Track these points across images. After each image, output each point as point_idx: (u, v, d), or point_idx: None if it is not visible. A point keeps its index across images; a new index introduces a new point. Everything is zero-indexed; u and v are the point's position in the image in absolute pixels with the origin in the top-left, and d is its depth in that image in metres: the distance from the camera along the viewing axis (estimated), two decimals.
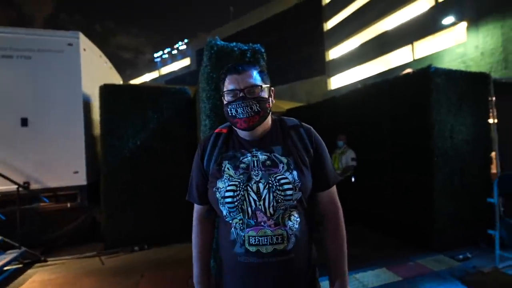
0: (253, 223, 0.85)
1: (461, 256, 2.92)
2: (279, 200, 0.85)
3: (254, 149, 0.92)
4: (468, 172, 3.26)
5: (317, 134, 1.00)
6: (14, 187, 3.25)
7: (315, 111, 5.68)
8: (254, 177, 0.87)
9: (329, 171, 0.97)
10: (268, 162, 0.89)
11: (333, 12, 19.59)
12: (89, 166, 3.84)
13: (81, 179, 3.73)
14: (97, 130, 4.07)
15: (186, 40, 33.19)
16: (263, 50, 2.56)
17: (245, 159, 0.90)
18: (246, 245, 0.85)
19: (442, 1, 13.11)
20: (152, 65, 36.96)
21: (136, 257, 3.48)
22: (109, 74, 5.20)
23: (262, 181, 0.86)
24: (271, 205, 0.85)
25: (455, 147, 3.21)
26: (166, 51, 35.23)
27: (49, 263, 3.34)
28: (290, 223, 0.87)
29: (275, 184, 0.86)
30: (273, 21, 23.30)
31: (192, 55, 30.98)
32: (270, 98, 0.94)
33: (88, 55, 4.13)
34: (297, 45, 21.67)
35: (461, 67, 11.10)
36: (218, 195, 0.89)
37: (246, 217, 0.86)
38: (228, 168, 0.90)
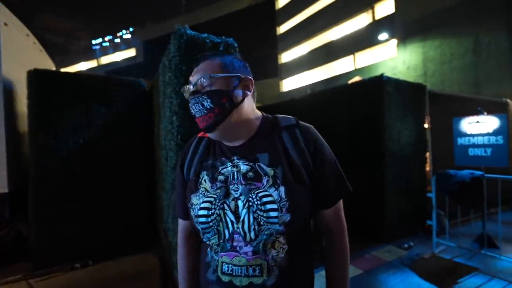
0: (228, 247, 0.72)
1: (406, 245, 3.30)
2: (262, 223, 0.69)
3: (235, 157, 0.76)
4: (411, 171, 3.71)
5: (319, 135, 0.84)
6: None
7: (273, 112, 5.76)
8: (233, 192, 0.72)
9: (333, 183, 0.81)
10: (250, 174, 0.73)
11: (285, 18, 20.44)
12: (12, 169, 3.10)
13: (0, 186, 2.98)
14: (23, 125, 3.33)
15: (131, 29, 30.29)
16: (236, 45, 2.44)
17: (225, 169, 0.75)
18: (219, 272, 0.72)
19: (378, 20, 14.92)
20: (90, 53, 32.57)
21: (77, 276, 2.95)
22: (39, 58, 4.33)
23: (242, 198, 0.71)
24: (252, 228, 0.69)
25: (401, 149, 3.61)
26: (107, 38, 31.51)
27: None
28: (274, 251, 0.70)
29: (255, 202, 0.69)
30: (227, 20, 23.08)
31: (138, 46, 28.45)
32: (236, 91, 0.75)
33: (10, 32, 3.33)
34: (251, 46, 21.93)
35: None
36: (192, 212, 0.76)
37: (222, 240, 0.73)
38: (205, 181, 0.76)
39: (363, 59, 15.55)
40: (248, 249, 0.69)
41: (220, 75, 0.74)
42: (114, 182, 3.39)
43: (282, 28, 20.95)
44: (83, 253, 3.16)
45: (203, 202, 0.73)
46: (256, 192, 0.70)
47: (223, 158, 0.77)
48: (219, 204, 0.72)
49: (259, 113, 0.85)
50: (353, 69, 15.77)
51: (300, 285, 0.75)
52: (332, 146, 3.90)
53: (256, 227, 0.69)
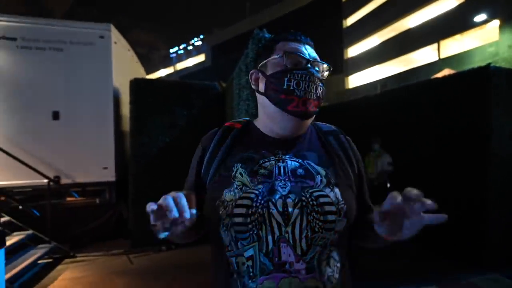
0: (271, 267, 0.55)
1: None
2: (317, 229, 0.56)
3: (279, 151, 0.64)
4: None
5: None
6: (45, 181, 3.21)
7: (343, 111, 5.43)
8: (280, 189, 0.58)
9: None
10: (300, 170, 0.61)
11: (353, 9, 19.04)
12: (118, 162, 3.77)
13: (110, 175, 3.66)
14: (125, 125, 4.00)
15: (201, 36, 33.19)
16: (312, 43, 2.36)
17: (267, 163, 0.63)
18: None
19: None
20: (167, 61, 37.20)
21: (164, 257, 3.39)
22: (136, 68, 5.13)
23: (292, 196, 0.57)
24: (304, 235, 0.55)
25: None
26: (181, 46, 35.36)
27: (78, 259, 3.30)
28: (329, 270, 0.57)
29: (311, 203, 0.57)
30: (290, 18, 22.91)
31: (207, 51, 30.96)
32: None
33: (118, 48, 4.04)
34: (315, 43, 21.19)
35: None
36: (222, 211, 0.58)
37: (262, 253, 0.56)
38: (240, 174, 0.62)
39: (451, 47, 13.23)
40: (301, 265, 0.54)
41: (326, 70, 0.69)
42: None
43: (349, 21, 19.61)
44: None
45: (241, 198, 0.58)
46: (310, 191, 0.58)
47: (263, 151, 0.65)
48: (262, 201, 0.57)
49: None
50: (436, 59, 13.59)
51: None
52: (415, 149, 3.45)
53: (310, 234, 0.56)
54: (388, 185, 4.03)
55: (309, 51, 0.68)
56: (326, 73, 0.69)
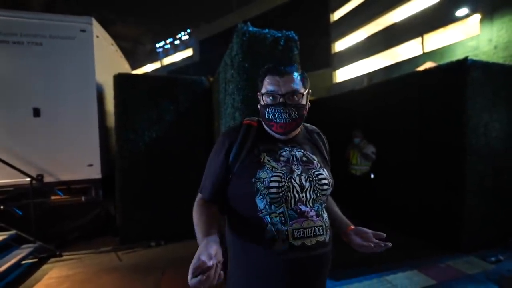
0: (296, 216, 0.84)
1: (493, 259, 2.83)
2: (318, 194, 0.89)
3: (289, 145, 0.94)
4: (502, 171, 3.14)
5: None
6: (27, 180, 3.13)
7: (330, 105, 5.51)
8: (296, 170, 0.88)
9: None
10: (304, 158, 0.93)
11: (340, 3, 19.11)
12: (103, 159, 3.70)
13: (95, 173, 3.59)
14: (110, 121, 3.92)
15: (188, 30, 32.48)
16: (296, 38, 2.40)
17: (284, 153, 0.92)
18: (291, 239, 0.82)
19: None
20: (154, 55, 36.26)
21: (154, 253, 3.39)
22: (120, 63, 5.00)
23: (303, 175, 0.88)
24: (311, 198, 0.88)
25: (488, 145, 3.07)
26: (168, 41, 34.53)
27: (64, 258, 3.25)
28: (325, 215, 0.91)
29: (314, 178, 0.90)
30: (277, 12, 22.77)
31: (195, 46, 30.38)
32: (307, 104, 0.95)
33: (101, 42, 3.92)
34: (302, 37, 21.15)
35: None
36: (259, 185, 0.85)
37: (288, 209, 0.85)
38: (268, 160, 0.89)
39: (434, 41, 13.54)
40: (312, 213, 0.87)
41: (305, 91, 0.93)
42: (182, 171, 3.73)
43: (336, 15, 19.68)
44: (157, 234, 3.60)
45: (273, 176, 0.86)
46: (313, 171, 0.91)
47: (279, 144, 0.94)
48: (287, 178, 0.86)
49: None
50: (421, 53, 13.88)
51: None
52: (398, 141, 3.59)
53: (314, 197, 0.88)
54: (372, 175, 4.15)
55: (286, 85, 0.89)
56: (305, 92, 0.92)
